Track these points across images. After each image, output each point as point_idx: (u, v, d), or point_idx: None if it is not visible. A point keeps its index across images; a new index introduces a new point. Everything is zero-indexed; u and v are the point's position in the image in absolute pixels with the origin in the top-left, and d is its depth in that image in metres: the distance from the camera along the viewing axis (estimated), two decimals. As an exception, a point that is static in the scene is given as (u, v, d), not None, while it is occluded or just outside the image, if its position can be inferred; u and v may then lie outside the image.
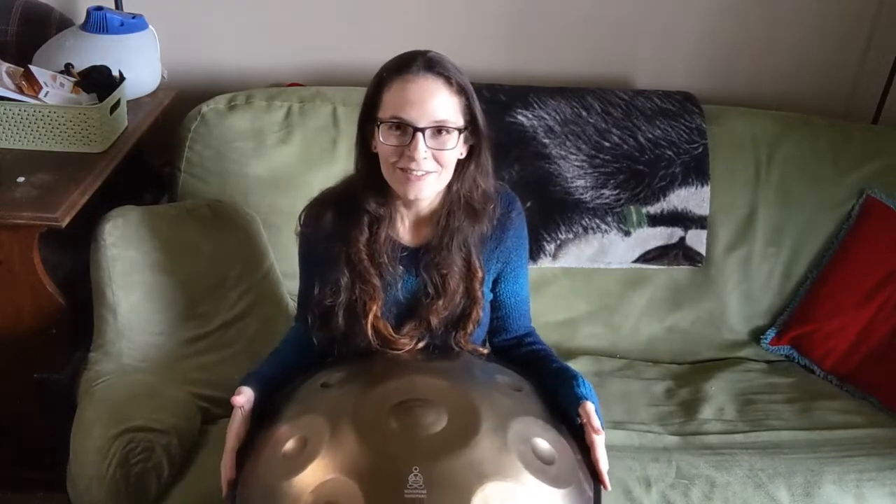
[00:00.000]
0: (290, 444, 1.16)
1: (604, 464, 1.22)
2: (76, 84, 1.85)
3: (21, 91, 1.76)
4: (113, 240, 1.67)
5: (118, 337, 1.62)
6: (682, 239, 2.05)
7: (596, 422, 1.23)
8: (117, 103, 1.83)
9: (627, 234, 2.03)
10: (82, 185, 1.65)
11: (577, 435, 1.26)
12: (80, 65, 1.90)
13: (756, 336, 2.07)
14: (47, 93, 1.79)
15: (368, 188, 1.32)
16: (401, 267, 1.35)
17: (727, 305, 2.07)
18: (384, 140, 1.25)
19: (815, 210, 2.08)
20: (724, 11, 2.25)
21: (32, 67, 1.81)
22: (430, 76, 1.24)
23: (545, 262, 2.01)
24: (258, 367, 1.36)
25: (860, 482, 1.57)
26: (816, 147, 2.11)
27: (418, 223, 1.37)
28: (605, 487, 1.22)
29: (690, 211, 2.04)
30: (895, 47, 2.28)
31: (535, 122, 2.01)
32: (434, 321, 1.36)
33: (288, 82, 2.20)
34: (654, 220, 2.04)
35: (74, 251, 1.73)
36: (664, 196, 2.04)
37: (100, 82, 1.85)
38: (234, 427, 1.24)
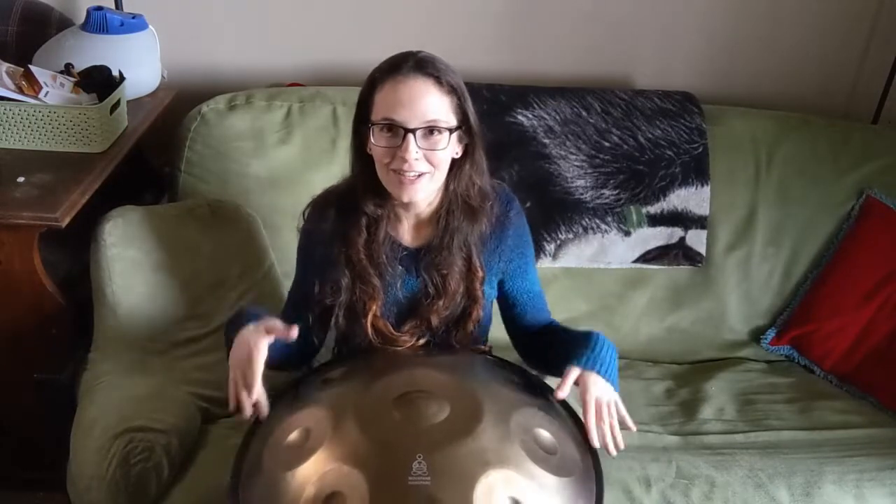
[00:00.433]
0: (293, 436, 1.17)
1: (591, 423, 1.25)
2: (76, 84, 1.85)
3: (21, 91, 1.76)
4: (113, 240, 1.67)
5: (118, 337, 1.62)
6: (682, 239, 2.05)
7: (565, 388, 1.26)
8: (117, 103, 1.83)
9: (627, 234, 2.03)
10: (82, 185, 1.65)
11: (582, 428, 1.27)
12: (80, 65, 1.90)
13: (756, 336, 2.07)
14: (47, 93, 1.79)
15: (366, 190, 1.32)
16: (400, 267, 1.35)
17: (727, 305, 2.07)
18: (376, 142, 1.26)
19: (815, 210, 2.08)
20: (724, 11, 2.25)
21: (32, 67, 1.81)
22: (420, 77, 1.24)
23: (545, 262, 2.01)
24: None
25: (860, 482, 1.57)
26: (816, 147, 2.11)
27: (419, 225, 1.38)
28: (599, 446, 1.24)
29: (690, 211, 2.04)
30: (895, 47, 2.28)
31: (535, 122, 2.01)
32: (435, 321, 1.36)
33: (288, 82, 2.20)
34: (654, 220, 2.04)
35: (74, 251, 1.73)
36: (664, 196, 2.04)
37: (100, 82, 1.85)
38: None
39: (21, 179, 1.65)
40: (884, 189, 2.08)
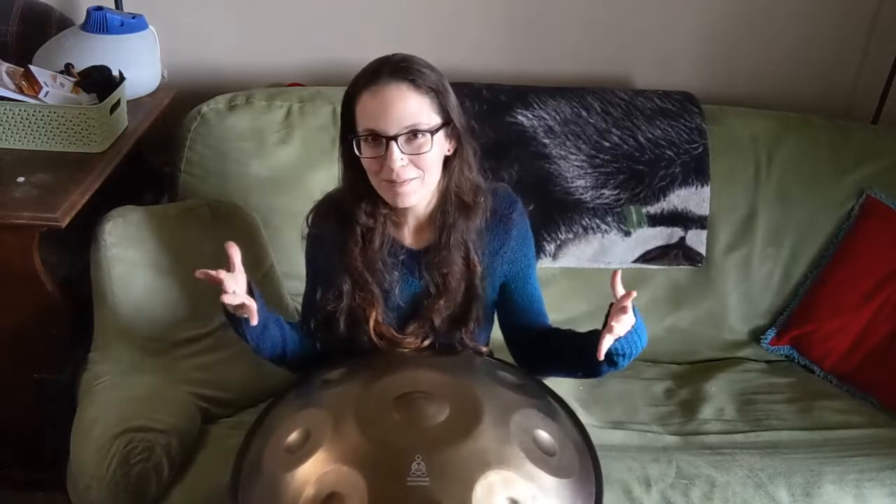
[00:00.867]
0: (293, 437, 1.17)
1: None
2: (76, 84, 1.85)
3: (21, 91, 1.76)
4: (113, 240, 1.67)
5: (118, 337, 1.62)
6: (682, 239, 2.05)
7: (619, 287, 1.24)
8: (117, 103, 1.83)
9: (627, 234, 2.03)
10: (82, 185, 1.65)
11: (581, 429, 1.27)
12: (80, 65, 1.90)
13: (756, 336, 2.07)
14: (47, 93, 1.79)
15: (357, 199, 1.33)
16: (396, 273, 1.36)
17: (727, 305, 2.07)
18: (363, 154, 1.26)
19: (815, 210, 2.08)
20: (724, 11, 2.25)
21: (32, 67, 1.81)
22: (394, 82, 1.24)
23: (545, 262, 2.01)
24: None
25: (860, 482, 1.57)
26: (816, 147, 2.11)
27: (420, 227, 1.38)
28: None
29: (690, 211, 2.04)
30: (895, 47, 2.28)
31: (535, 122, 2.01)
32: (437, 320, 1.36)
33: (288, 82, 2.20)
34: (654, 220, 2.04)
35: (74, 251, 1.73)
36: (664, 196, 2.04)
37: (100, 82, 1.85)
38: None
39: (21, 179, 1.65)
40: (884, 189, 2.08)
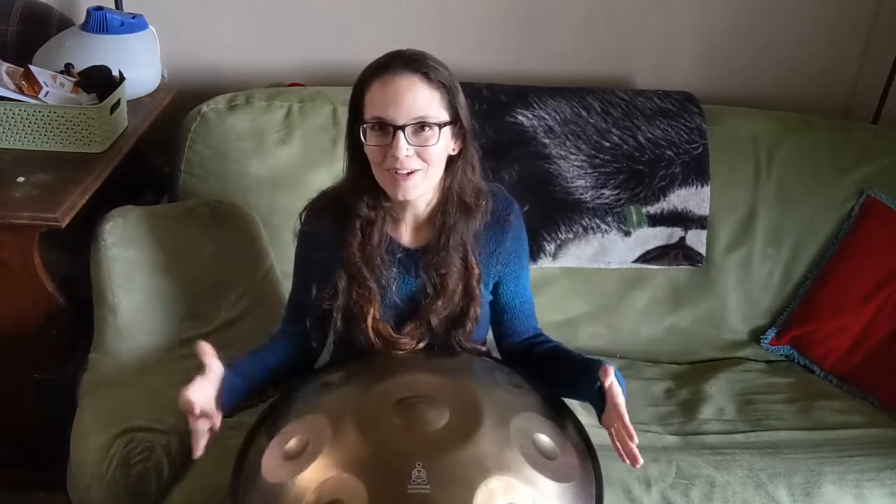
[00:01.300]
0: (292, 444, 1.16)
1: (631, 429, 1.16)
2: (76, 84, 1.85)
3: (21, 91, 1.76)
4: (113, 240, 1.67)
5: (118, 337, 1.62)
6: (682, 239, 2.05)
7: (616, 385, 1.19)
8: (117, 103, 1.83)
9: (627, 234, 2.03)
10: (82, 185, 1.65)
11: (581, 431, 1.27)
12: (80, 65, 1.90)
13: (756, 336, 2.07)
14: (47, 93, 1.79)
15: (359, 191, 1.32)
16: (394, 269, 1.35)
17: (727, 305, 2.07)
18: (368, 142, 1.26)
19: (815, 210, 2.08)
20: (724, 11, 2.25)
21: (32, 67, 1.82)
22: (407, 73, 1.24)
23: (545, 262, 2.01)
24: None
25: (860, 482, 1.57)
26: (816, 147, 2.11)
27: (419, 226, 1.38)
28: (634, 463, 1.17)
29: (690, 211, 2.04)
30: (895, 47, 2.28)
31: (535, 122, 2.01)
32: (434, 321, 1.36)
33: (288, 82, 2.20)
34: (654, 220, 2.04)
35: (74, 251, 1.73)
36: (664, 196, 2.04)
37: (100, 82, 1.85)
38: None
39: (21, 179, 1.65)
40: (884, 189, 2.08)
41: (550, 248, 2.01)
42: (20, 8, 2.08)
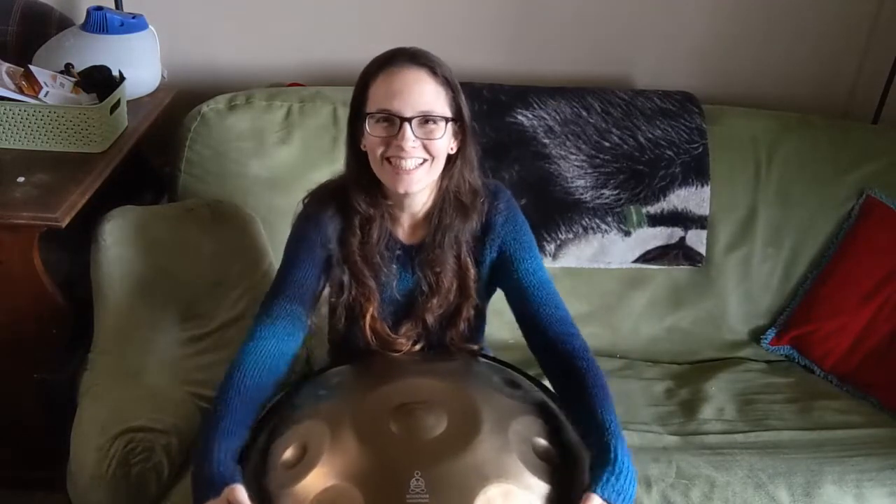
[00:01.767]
0: (289, 452, 1.15)
1: None
2: (76, 84, 1.85)
3: (21, 91, 1.76)
4: (113, 240, 1.67)
5: (118, 337, 1.62)
6: (682, 239, 2.05)
7: None
8: (117, 103, 1.83)
9: (627, 234, 2.03)
10: (82, 185, 1.65)
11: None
12: (80, 65, 1.90)
13: (756, 336, 2.07)
14: (47, 93, 1.79)
15: (358, 187, 1.32)
16: (394, 266, 1.35)
17: (727, 305, 2.07)
18: (372, 132, 1.25)
19: (815, 210, 2.08)
20: (724, 11, 2.25)
21: (32, 67, 1.81)
22: (415, 67, 1.24)
23: (545, 263, 1.98)
24: (227, 438, 1.16)
25: (860, 482, 1.57)
26: (816, 147, 2.11)
27: (415, 225, 1.38)
28: None
29: (690, 211, 2.04)
30: (895, 47, 2.28)
31: (535, 122, 2.01)
32: (429, 319, 1.36)
33: (288, 82, 2.20)
34: (654, 220, 2.04)
35: (74, 251, 1.73)
36: (664, 196, 2.04)
37: (100, 82, 1.85)
38: None
39: (21, 179, 1.65)
40: (884, 189, 2.08)
41: (550, 248, 2.01)
42: (20, 8, 2.08)
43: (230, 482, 1.09)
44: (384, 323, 1.36)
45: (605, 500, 1.10)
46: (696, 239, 2.05)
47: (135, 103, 1.99)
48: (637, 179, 2.03)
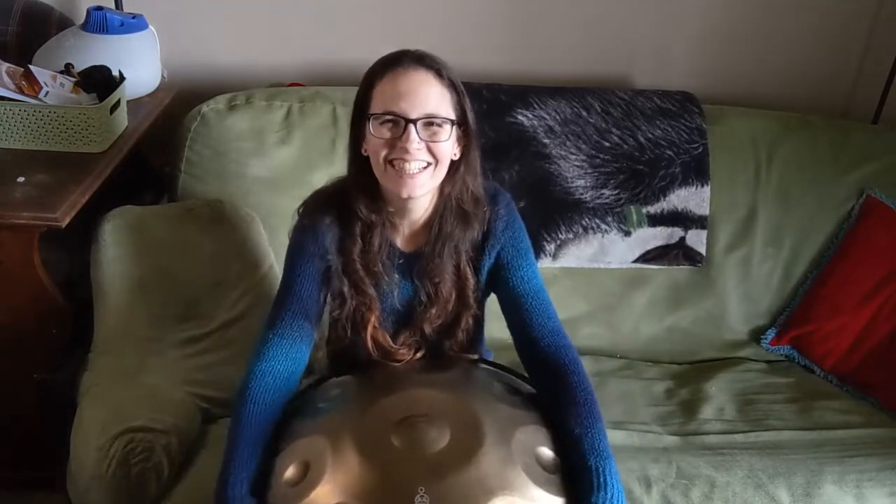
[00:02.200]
0: (291, 470, 1.15)
1: None
2: (76, 84, 1.85)
3: (21, 91, 1.76)
4: (113, 240, 1.67)
5: (118, 337, 1.62)
6: (682, 239, 2.05)
7: None
8: (117, 103, 1.83)
9: (627, 234, 2.03)
10: (82, 185, 1.65)
11: None
12: (80, 65, 1.90)
13: (756, 336, 2.07)
14: (47, 93, 1.79)
15: (360, 193, 1.30)
16: (396, 275, 1.33)
17: (727, 305, 2.07)
18: (376, 134, 1.23)
19: (815, 210, 2.08)
20: (724, 11, 2.25)
21: (32, 67, 1.81)
22: (421, 69, 1.23)
23: (545, 262, 2.01)
24: (244, 467, 1.17)
25: (860, 482, 1.57)
26: (816, 147, 2.11)
27: (415, 232, 1.36)
28: None
29: (690, 211, 2.04)
30: (895, 47, 2.28)
31: (535, 122, 2.01)
32: (427, 329, 1.34)
33: (288, 82, 2.20)
34: (654, 220, 2.04)
35: (74, 251, 1.73)
36: (664, 196, 2.04)
37: (100, 82, 1.85)
38: None
39: (21, 179, 1.65)
40: (884, 189, 2.08)
41: (550, 248, 2.01)
42: (20, 8, 2.08)
43: None
44: (385, 333, 1.34)
45: None
46: (696, 239, 2.05)
47: (135, 103, 1.99)
48: (637, 179, 2.03)
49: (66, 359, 1.66)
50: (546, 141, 2.01)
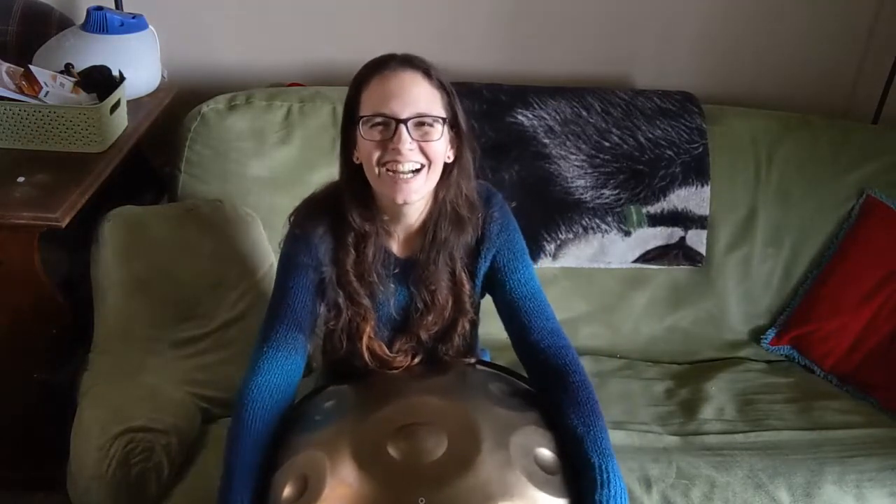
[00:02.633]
0: (290, 488, 1.14)
1: None
2: (76, 84, 1.85)
3: (21, 91, 1.76)
4: (113, 240, 1.67)
5: (118, 337, 1.62)
6: (682, 239, 2.05)
7: None
8: (117, 103, 1.83)
9: (627, 234, 2.03)
10: (82, 185, 1.65)
11: None
12: (80, 65, 1.90)
13: (756, 336, 2.07)
14: (47, 93, 1.79)
15: (353, 202, 1.28)
16: (392, 284, 1.32)
17: (727, 305, 2.07)
18: (367, 137, 1.22)
19: (815, 210, 2.08)
20: (725, 11, 2.25)
21: (32, 67, 1.81)
22: (409, 69, 1.23)
23: (545, 262, 2.00)
24: (243, 488, 1.17)
25: (860, 482, 1.57)
26: (816, 147, 2.11)
27: (409, 238, 1.34)
28: None
29: (690, 211, 2.04)
30: (895, 47, 2.28)
31: (535, 122, 2.01)
32: (424, 336, 1.33)
33: (288, 82, 2.20)
34: (654, 220, 2.04)
35: (74, 251, 1.73)
36: (664, 196, 2.04)
37: (100, 82, 1.85)
38: None
39: (21, 179, 1.65)
40: (884, 189, 2.08)
41: (550, 248, 2.01)
42: (20, 8, 2.08)
43: None
44: (381, 343, 1.32)
45: None
46: (696, 239, 2.05)
47: (135, 103, 1.99)
48: (637, 179, 2.03)
49: (66, 359, 1.66)
50: (546, 141, 2.01)
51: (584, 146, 2.02)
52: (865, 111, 2.34)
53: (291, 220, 1.35)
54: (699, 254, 2.06)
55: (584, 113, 2.04)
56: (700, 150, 2.05)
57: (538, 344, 1.31)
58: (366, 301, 1.30)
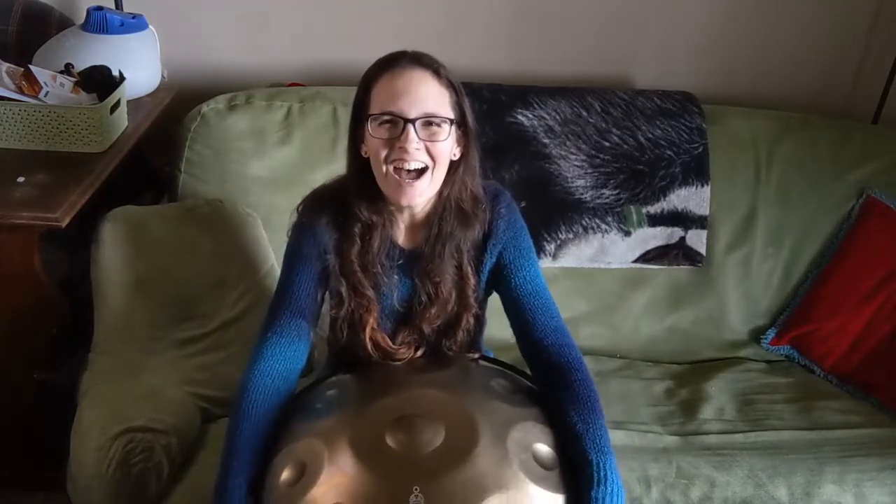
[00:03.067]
0: (288, 472, 1.15)
1: None
2: (76, 84, 1.85)
3: (21, 91, 1.76)
4: (113, 240, 1.67)
5: (118, 337, 1.62)
6: (682, 239, 2.05)
7: None
8: (117, 103, 1.83)
9: (627, 233, 2.03)
10: (82, 185, 1.65)
11: None
12: (80, 65, 1.90)
13: (756, 336, 2.07)
14: (47, 93, 1.79)
15: (360, 195, 1.29)
16: (396, 277, 1.33)
17: (727, 305, 2.07)
18: (375, 134, 1.23)
19: (815, 210, 2.08)
20: (725, 11, 2.25)
21: (32, 67, 1.82)
22: (418, 68, 1.23)
23: (545, 262, 2.00)
24: (242, 472, 1.18)
25: (860, 482, 1.57)
26: (816, 147, 2.11)
27: (413, 227, 1.35)
28: None
29: (690, 211, 2.04)
30: (895, 47, 2.28)
31: (535, 122, 2.01)
32: (427, 329, 1.34)
33: (288, 82, 2.20)
34: (654, 220, 2.04)
35: (74, 251, 1.73)
36: (664, 196, 2.04)
37: (100, 82, 1.85)
38: None
39: (21, 179, 1.65)
40: (884, 189, 2.08)
41: (550, 248, 2.01)
42: (20, 8, 2.08)
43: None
44: (384, 334, 1.33)
45: None
46: (696, 239, 2.05)
47: (135, 103, 1.99)
48: (637, 179, 2.03)
49: (66, 359, 1.66)
50: (546, 141, 2.01)
51: (584, 146, 2.02)
52: (865, 111, 2.34)
53: (299, 209, 1.36)
54: (699, 254, 2.06)
55: (584, 113, 2.04)
56: (700, 150, 2.05)
57: (541, 341, 1.32)
58: (369, 292, 1.31)
